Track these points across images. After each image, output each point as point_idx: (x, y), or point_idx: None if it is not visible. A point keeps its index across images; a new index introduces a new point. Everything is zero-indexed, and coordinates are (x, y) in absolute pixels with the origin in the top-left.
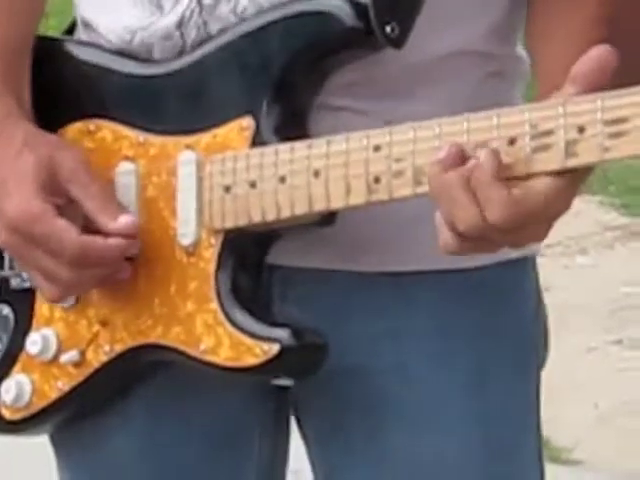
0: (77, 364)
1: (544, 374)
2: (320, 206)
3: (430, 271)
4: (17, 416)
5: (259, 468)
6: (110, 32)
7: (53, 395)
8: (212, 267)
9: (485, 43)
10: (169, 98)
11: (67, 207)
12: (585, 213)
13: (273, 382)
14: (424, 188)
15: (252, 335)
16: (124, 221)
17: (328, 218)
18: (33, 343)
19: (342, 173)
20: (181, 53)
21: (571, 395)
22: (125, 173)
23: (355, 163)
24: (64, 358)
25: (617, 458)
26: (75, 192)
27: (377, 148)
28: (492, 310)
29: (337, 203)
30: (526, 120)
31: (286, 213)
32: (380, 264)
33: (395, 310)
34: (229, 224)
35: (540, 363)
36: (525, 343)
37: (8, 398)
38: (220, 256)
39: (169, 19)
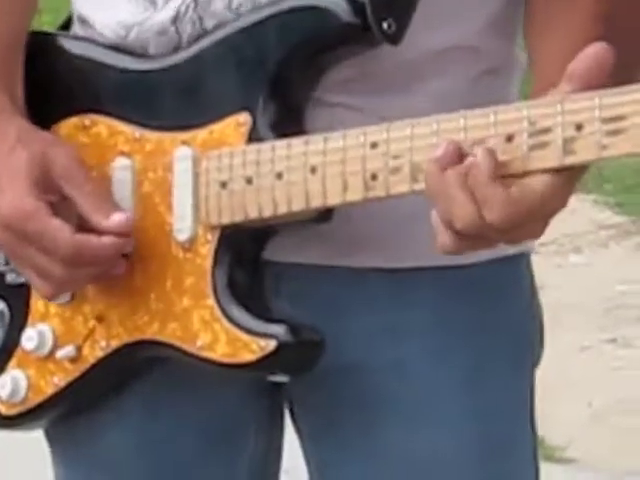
0: (73, 360)
1: (538, 372)
2: (317, 202)
3: (426, 267)
4: (13, 411)
5: (253, 464)
6: (105, 28)
7: (49, 390)
8: (209, 263)
9: (481, 39)
10: (165, 94)
11: (60, 204)
12: (580, 212)
13: (269, 378)
14: (421, 185)
15: (249, 331)
16: (117, 219)
17: (325, 214)
18: (29, 339)
19: (339, 170)
20: (177, 49)
21: (565, 393)
22: (121, 168)
23: (352, 160)
24: (60, 354)
25: (611, 457)
26: (68, 190)
27: (374, 145)
28: (488, 306)
29: (334, 199)
30: (524, 117)
31: (283, 209)
32: (376, 260)
33: (391, 307)
34: (225, 220)
35: (535, 360)
36: (521, 339)
37: (4, 393)
38: (216, 252)
39: (164, 14)
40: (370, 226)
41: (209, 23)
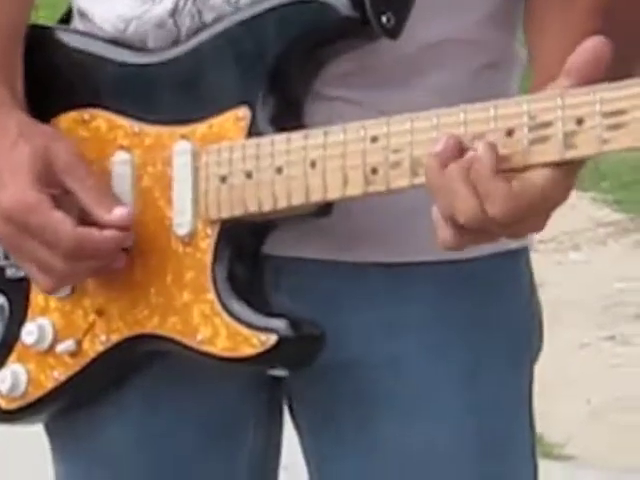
0: (73, 354)
1: (537, 370)
2: (317, 197)
3: (424, 262)
4: (13, 405)
5: (252, 458)
6: (105, 21)
7: (49, 385)
8: (209, 257)
9: (481, 32)
10: (164, 87)
11: (62, 198)
12: (578, 209)
13: (269, 373)
14: (421, 179)
15: (249, 325)
16: (119, 213)
17: (325, 209)
18: (29, 333)
19: (339, 164)
20: (176, 42)
21: (564, 391)
22: (120, 163)
23: (352, 154)
24: (60, 348)
25: (609, 454)
26: (70, 184)
27: (374, 139)
28: (486, 301)
29: (334, 194)
30: (524, 112)
31: (283, 204)
32: (376, 255)
33: (389, 301)
34: (225, 214)
35: (534, 355)
36: (519, 335)
37: (4, 388)
38: (216, 246)
39: (163, 7)
40: (370, 221)
41: (208, 16)
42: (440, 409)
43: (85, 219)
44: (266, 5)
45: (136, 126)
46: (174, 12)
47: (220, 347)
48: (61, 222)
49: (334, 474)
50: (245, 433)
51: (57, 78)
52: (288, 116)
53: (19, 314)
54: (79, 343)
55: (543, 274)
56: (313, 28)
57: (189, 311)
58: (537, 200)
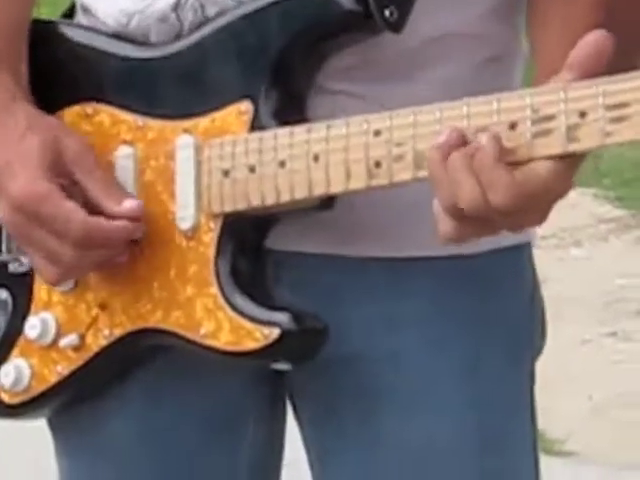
0: (76, 348)
1: (538, 366)
2: (320, 190)
3: (426, 257)
4: (16, 400)
5: (254, 453)
6: (108, 16)
7: (52, 379)
8: (211, 251)
9: (484, 26)
10: (167, 82)
11: (69, 189)
12: (580, 205)
13: (272, 366)
14: (425, 172)
15: (252, 319)
16: (129, 205)
17: (327, 202)
18: (32, 327)
19: (342, 157)
20: (178, 36)
21: (565, 387)
22: (123, 157)
23: (355, 147)
24: (63, 342)
25: (611, 450)
26: (80, 175)
27: (377, 132)
28: (487, 297)
29: (337, 187)
30: (527, 105)
31: (286, 197)
32: (376, 249)
33: (389, 296)
34: (228, 208)
35: (536, 351)
36: (519, 331)
37: (7, 382)
38: (219, 240)
39: (165, 1)
40: (372, 215)
41: (211, 10)
42: (440, 403)
43: (93, 211)
44: None
45: (139, 120)
46: (176, 6)
47: (223, 341)
48: (72, 211)
49: (336, 467)
50: (247, 427)
51: (60, 73)
52: (291, 110)
53: (22, 308)
54: (82, 337)
55: (544, 270)
56: (316, 22)
57: (192, 305)
58: (540, 190)
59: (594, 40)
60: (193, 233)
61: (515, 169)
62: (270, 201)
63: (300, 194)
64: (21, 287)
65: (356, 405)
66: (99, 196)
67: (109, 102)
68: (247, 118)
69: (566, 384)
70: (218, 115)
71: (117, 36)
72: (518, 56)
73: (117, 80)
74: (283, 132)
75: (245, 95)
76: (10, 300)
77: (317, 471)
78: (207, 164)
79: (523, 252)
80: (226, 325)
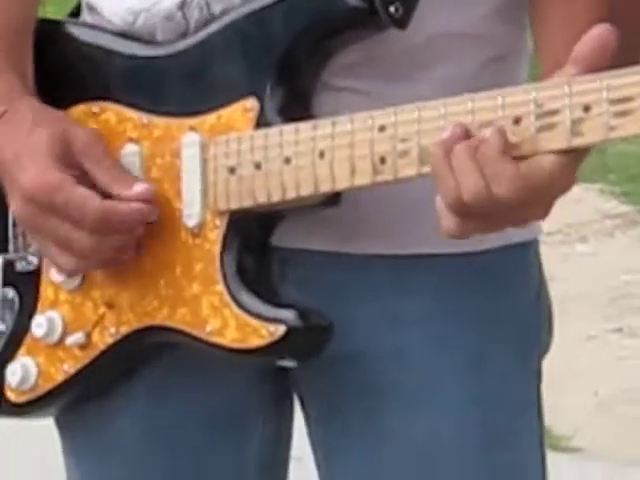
0: (83, 346)
1: (544, 362)
2: (325, 187)
3: (430, 255)
4: (22, 399)
5: (261, 450)
6: (114, 14)
7: (59, 377)
8: (217, 248)
9: (487, 26)
10: (173, 79)
11: (80, 180)
12: (585, 201)
13: (278, 363)
14: (429, 168)
15: (258, 316)
16: (140, 188)
17: (333, 199)
18: (38, 326)
19: (347, 154)
20: (184, 34)
21: (571, 383)
22: (129, 155)
23: (360, 143)
24: (70, 340)
25: (617, 446)
26: (89, 165)
27: (382, 128)
28: (492, 294)
29: (342, 184)
30: (531, 99)
31: (291, 194)
32: (380, 247)
33: (393, 293)
34: (234, 205)
35: (543, 348)
36: (526, 328)
37: (14, 381)
38: (225, 237)
39: (171, 0)
40: (376, 211)
41: (216, 8)
42: (444, 400)
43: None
44: None
45: (145, 118)
46: (183, 4)
47: (229, 338)
48: (87, 197)
49: (341, 465)
50: (253, 425)
51: (66, 71)
52: (296, 107)
53: (29, 307)
54: (89, 335)
55: (550, 266)
56: (321, 19)
57: (198, 302)
58: (544, 184)
59: (598, 34)
60: (199, 230)
61: (520, 162)
62: (276, 198)
63: (306, 191)
64: (28, 286)
65: (360, 402)
66: (109, 183)
67: (115, 100)
68: (253, 115)
69: (572, 380)
70: (224, 112)
71: (123, 35)
72: (523, 55)
73: (123, 78)
74: (288, 129)
75: (251, 92)
76: (17, 299)
77: (323, 469)
78: (213, 161)
79: (529, 249)
80: (232, 322)
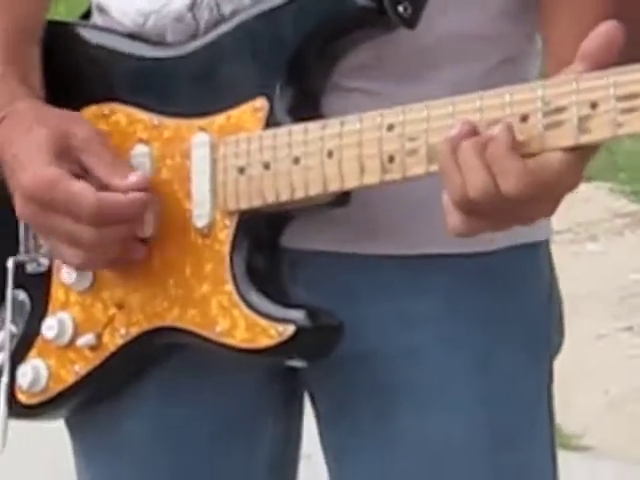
0: (93, 348)
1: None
2: (334, 186)
3: (441, 255)
4: (33, 400)
5: (271, 450)
6: (124, 16)
7: (70, 379)
8: (227, 249)
9: (497, 27)
10: (182, 80)
11: (81, 176)
12: (595, 200)
13: (287, 363)
14: (438, 167)
15: (267, 316)
16: (135, 178)
17: (342, 198)
18: (49, 328)
19: (356, 153)
20: (194, 36)
21: (581, 382)
22: (139, 156)
23: (369, 142)
24: (80, 342)
25: (627, 444)
26: (87, 160)
27: (391, 127)
28: (503, 295)
29: (351, 183)
30: (538, 97)
31: (300, 194)
32: (390, 247)
33: (405, 293)
34: (243, 205)
35: (554, 349)
36: (537, 329)
37: (24, 383)
38: (235, 237)
39: (181, 1)
40: (385, 211)
41: (226, 9)
42: (454, 401)
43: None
44: None
45: (155, 119)
46: (193, 5)
47: (239, 338)
48: (83, 189)
49: (352, 465)
50: (263, 425)
51: (77, 74)
52: (306, 107)
53: (40, 309)
54: (99, 337)
55: (560, 265)
56: (330, 18)
57: (208, 303)
58: (552, 180)
59: (605, 31)
60: (209, 231)
61: (528, 159)
62: (285, 197)
63: (314, 190)
64: (39, 288)
65: (371, 402)
66: (107, 176)
67: (126, 102)
68: (262, 115)
69: (582, 379)
70: (233, 113)
71: (133, 36)
72: (532, 56)
73: (133, 80)
74: (297, 129)
75: (260, 92)
76: (28, 301)
77: (334, 469)
78: (222, 162)
79: (540, 250)
80: (241, 322)
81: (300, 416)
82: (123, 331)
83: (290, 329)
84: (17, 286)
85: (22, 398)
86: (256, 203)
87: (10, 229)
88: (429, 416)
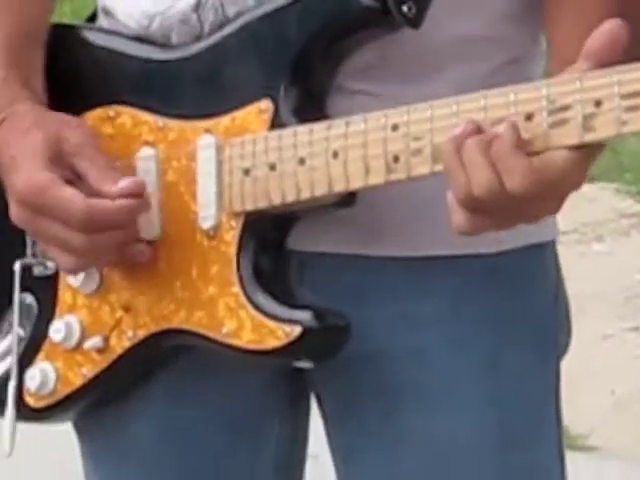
0: (101, 350)
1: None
2: (340, 187)
3: (447, 256)
4: (41, 404)
5: (278, 451)
6: (129, 18)
7: (77, 382)
8: (233, 250)
9: (501, 29)
10: (187, 82)
11: (76, 182)
12: (601, 200)
13: (294, 364)
14: (442, 166)
15: (274, 317)
16: (124, 184)
17: (347, 199)
18: (56, 331)
19: (361, 153)
20: (199, 37)
21: (587, 382)
22: (145, 158)
23: (373, 142)
24: (88, 345)
25: (633, 444)
26: (80, 165)
27: (395, 127)
28: (509, 295)
29: (356, 183)
30: (543, 96)
31: (306, 194)
32: (394, 249)
33: (410, 295)
34: (249, 207)
35: (561, 349)
36: (543, 329)
37: (32, 386)
38: (241, 239)
39: (186, 2)
40: (390, 212)
41: (230, 10)
42: (461, 401)
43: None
44: None
45: (160, 121)
46: (197, 6)
47: (245, 340)
48: (72, 195)
49: (358, 466)
50: (269, 426)
51: (82, 76)
52: (311, 108)
53: (47, 312)
54: (106, 339)
55: (566, 265)
56: (334, 19)
57: (214, 305)
58: (557, 178)
59: (609, 29)
60: (215, 232)
61: (532, 157)
62: (290, 198)
63: (320, 191)
64: (46, 291)
65: (378, 403)
66: (98, 182)
67: (131, 104)
68: (267, 116)
69: (588, 379)
70: (238, 114)
71: (138, 38)
72: (537, 57)
73: (138, 82)
74: (302, 130)
75: (265, 94)
76: (35, 304)
77: (341, 469)
78: (228, 163)
79: (547, 250)
80: (248, 324)
81: (306, 417)
82: (130, 334)
83: (297, 330)
84: (24, 289)
85: (30, 401)
86: (262, 204)
87: (17, 232)
88: (436, 417)
